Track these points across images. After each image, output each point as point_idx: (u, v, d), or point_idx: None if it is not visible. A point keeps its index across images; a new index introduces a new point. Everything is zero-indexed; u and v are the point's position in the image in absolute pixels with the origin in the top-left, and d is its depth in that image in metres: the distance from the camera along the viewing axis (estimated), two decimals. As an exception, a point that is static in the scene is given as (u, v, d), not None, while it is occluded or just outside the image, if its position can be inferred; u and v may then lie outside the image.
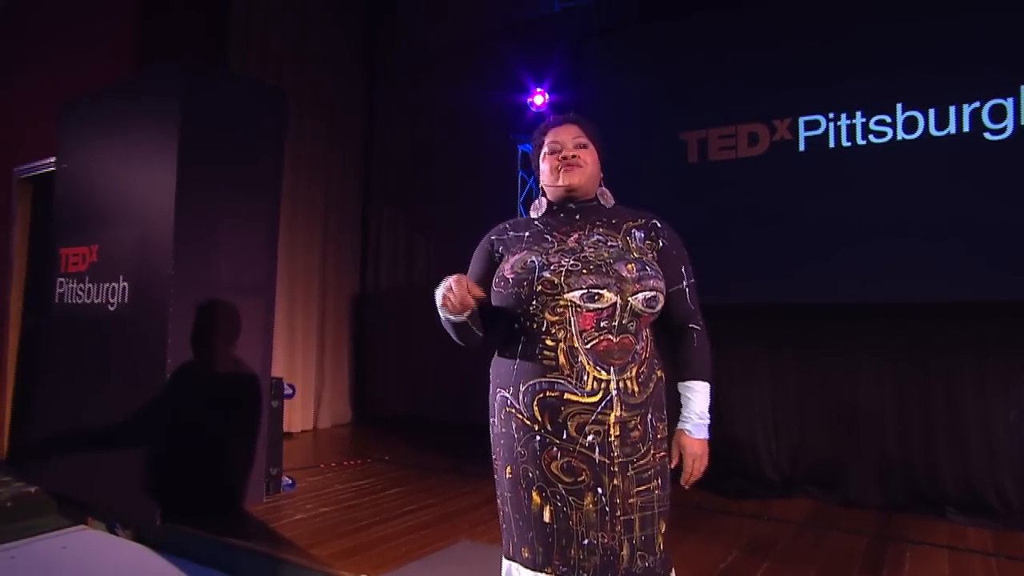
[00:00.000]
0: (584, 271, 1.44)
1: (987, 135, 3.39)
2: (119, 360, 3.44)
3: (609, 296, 1.43)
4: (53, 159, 4.15)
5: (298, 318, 5.84)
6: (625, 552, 1.43)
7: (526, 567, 1.48)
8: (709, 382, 1.58)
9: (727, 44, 4.14)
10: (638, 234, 1.56)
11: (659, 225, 1.60)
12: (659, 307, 1.49)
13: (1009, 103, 3.34)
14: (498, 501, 1.58)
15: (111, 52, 4.36)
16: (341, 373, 6.42)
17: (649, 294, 1.45)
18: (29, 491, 3.64)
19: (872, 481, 3.64)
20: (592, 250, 1.49)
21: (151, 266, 3.34)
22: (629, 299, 1.44)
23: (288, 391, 3.97)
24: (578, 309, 1.43)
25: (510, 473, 1.51)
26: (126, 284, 3.46)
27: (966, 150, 3.44)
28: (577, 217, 1.58)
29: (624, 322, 1.45)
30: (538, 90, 5.00)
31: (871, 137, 3.68)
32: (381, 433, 5.88)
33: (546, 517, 1.45)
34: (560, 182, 1.57)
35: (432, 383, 6.27)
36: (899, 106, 3.61)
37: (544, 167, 1.62)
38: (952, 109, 3.49)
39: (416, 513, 3.45)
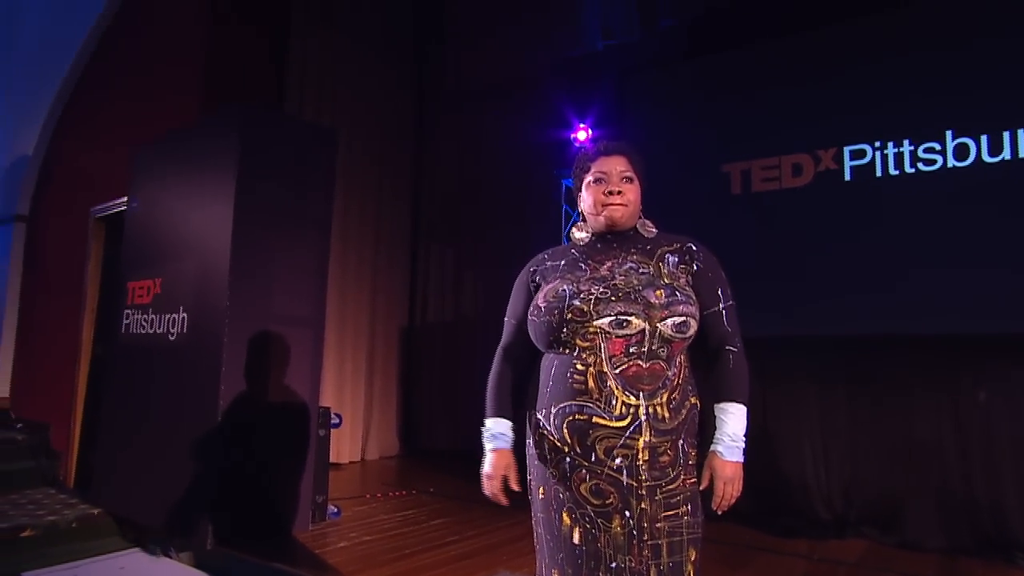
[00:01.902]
0: (613, 298, 1.47)
1: (1044, 161, 3.29)
2: (177, 387, 3.61)
3: (637, 323, 1.45)
4: (125, 199, 4.43)
5: (348, 350, 5.98)
6: None
7: None
8: (745, 405, 1.55)
9: (769, 76, 4.15)
10: (672, 259, 1.57)
11: (694, 248, 1.60)
12: (691, 332, 1.49)
13: (1067, 127, 3.24)
14: (532, 522, 1.61)
15: (180, 95, 4.68)
16: (389, 405, 6.52)
17: (678, 320, 1.46)
18: (92, 513, 3.80)
19: (932, 522, 3.46)
20: (623, 278, 1.51)
21: (208, 298, 3.51)
22: (658, 325, 1.45)
23: (335, 420, 4.07)
24: (607, 335, 1.45)
25: (543, 494, 1.55)
26: (185, 315, 3.64)
27: (1021, 176, 3.33)
28: (614, 245, 1.60)
29: (654, 348, 1.45)
30: (581, 126, 5.09)
31: (920, 165, 3.61)
32: (427, 465, 5.92)
33: (575, 539, 1.47)
34: (603, 218, 1.59)
35: (477, 417, 6.28)
36: (949, 133, 3.54)
37: (588, 196, 1.62)
38: (1006, 135, 3.40)
39: (458, 544, 3.46)
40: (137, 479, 3.74)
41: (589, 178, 1.62)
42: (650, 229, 1.64)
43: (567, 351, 1.50)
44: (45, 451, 4.80)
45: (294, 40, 5.53)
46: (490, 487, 1.64)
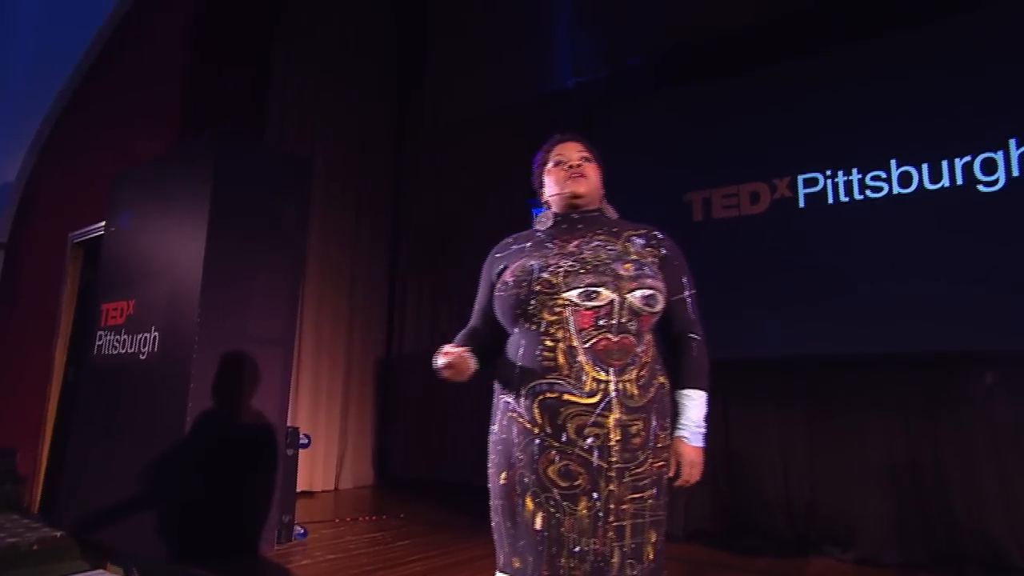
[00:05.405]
0: (582, 271, 1.48)
1: (980, 187, 3.46)
2: (145, 406, 3.63)
3: (606, 294, 1.45)
4: (102, 224, 4.52)
5: (323, 380, 5.99)
6: (616, 560, 1.41)
7: None
8: (706, 392, 1.59)
9: (727, 110, 4.35)
10: (638, 240, 1.61)
11: (659, 236, 1.65)
12: (658, 307, 1.51)
13: (999, 156, 3.42)
14: (490, 512, 1.56)
15: (159, 125, 4.81)
16: (364, 435, 6.50)
17: (647, 292, 1.47)
18: (54, 535, 3.77)
19: (888, 539, 3.51)
20: (591, 253, 1.53)
21: (179, 316, 3.57)
22: (626, 296, 1.46)
23: (304, 440, 4.09)
24: (576, 308, 1.45)
25: (505, 479, 1.50)
26: (157, 334, 3.69)
27: (960, 201, 3.50)
28: (580, 226, 1.63)
29: (623, 321, 1.45)
30: (552, 158, 5.26)
31: (868, 192, 3.78)
32: (401, 494, 5.89)
33: (537, 524, 1.43)
34: (565, 190, 1.63)
35: (451, 447, 6.30)
36: (893, 162, 3.72)
37: (550, 180, 1.67)
38: (944, 164, 3.58)
39: (420, 562, 3.47)
40: (103, 501, 3.72)
41: (549, 165, 1.70)
42: (612, 212, 1.68)
43: (534, 326, 1.49)
44: (11, 477, 4.75)
45: (276, 76, 5.68)
46: (447, 355, 1.49)
